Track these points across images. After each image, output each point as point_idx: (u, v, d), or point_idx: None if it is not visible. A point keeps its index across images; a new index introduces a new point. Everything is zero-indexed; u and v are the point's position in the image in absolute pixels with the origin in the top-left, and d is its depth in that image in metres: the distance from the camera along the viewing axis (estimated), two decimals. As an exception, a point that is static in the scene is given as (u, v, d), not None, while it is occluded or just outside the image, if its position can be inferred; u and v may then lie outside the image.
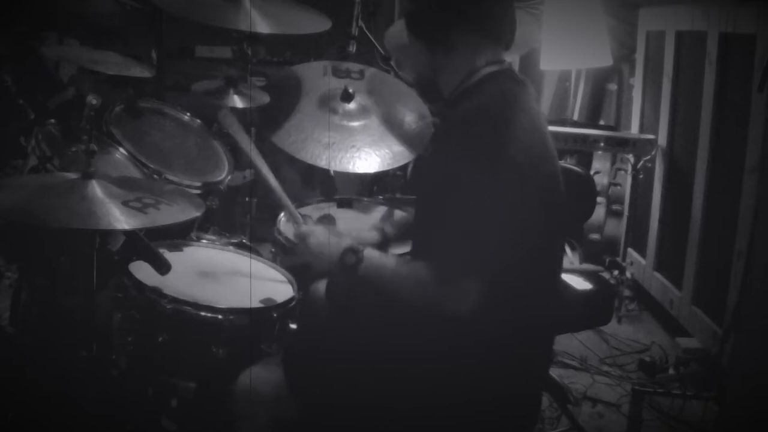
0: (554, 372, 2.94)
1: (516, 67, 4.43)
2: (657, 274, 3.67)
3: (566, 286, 2.46)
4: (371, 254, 1.67)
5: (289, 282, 2.19)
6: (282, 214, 2.43)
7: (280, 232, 2.32)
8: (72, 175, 1.90)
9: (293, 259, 2.00)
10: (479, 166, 1.53)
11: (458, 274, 1.51)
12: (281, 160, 3.56)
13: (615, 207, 4.09)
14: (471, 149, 1.55)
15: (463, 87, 1.70)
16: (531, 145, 1.58)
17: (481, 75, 1.68)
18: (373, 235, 2.06)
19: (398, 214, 2.57)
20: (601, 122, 4.41)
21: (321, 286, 1.98)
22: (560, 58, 3.78)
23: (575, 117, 4.36)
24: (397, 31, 1.83)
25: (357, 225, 2.49)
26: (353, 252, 1.67)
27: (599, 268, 3.86)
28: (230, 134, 2.07)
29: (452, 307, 1.51)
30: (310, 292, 2.02)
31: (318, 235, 1.79)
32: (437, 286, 1.52)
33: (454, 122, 1.66)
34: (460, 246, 1.52)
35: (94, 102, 1.94)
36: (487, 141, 1.54)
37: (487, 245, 1.51)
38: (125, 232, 2.01)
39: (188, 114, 2.72)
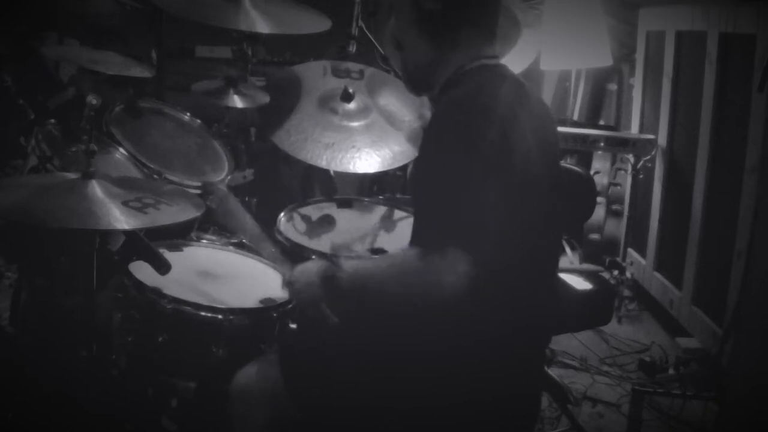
0: (554, 372, 2.94)
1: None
2: (657, 274, 3.67)
3: (566, 286, 2.46)
4: (349, 262, 1.68)
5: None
6: (282, 214, 2.43)
7: (280, 232, 2.32)
8: (72, 175, 1.90)
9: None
10: (453, 149, 1.53)
11: (438, 247, 1.49)
12: (281, 161, 3.57)
13: (615, 207, 4.09)
14: (447, 135, 1.56)
15: (448, 81, 1.71)
16: (508, 131, 1.58)
17: (465, 69, 1.69)
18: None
19: (398, 214, 2.57)
20: (601, 122, 4.41)
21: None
22: (560, 58, 3.78)
23: (575, 117, 4.36)
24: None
25: (357, 225, 2.49)
26: (332, 263, 1.68)
27: (599, 268, 3.86)
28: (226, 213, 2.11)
29: (441, 279, 1.48)
30: None
31: (300, 273, 1.79)
32: (420, 262, 1.52)
33: (436, 113, 1.68)
34: (436, 222, 1.53)
35: (94, 102, 1.94)
36: (461, 126, 1.55)
37: (463, 220, 1.50)
38: (125, 232, 2.01)
39: (188, 114, 2.71)
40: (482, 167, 1.51)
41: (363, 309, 1.70)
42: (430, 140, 1.62)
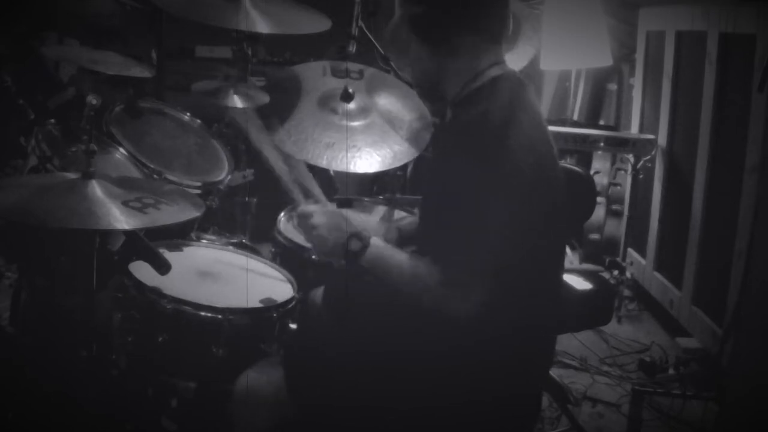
0: (554, 372, 2.94)
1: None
2: (657, 274, 3.67)
3: (566, 286, 2.46)
4: (377, 243, 1.66)
5: (289, 282, 2.19)
6: (282, 214, 2.43)
7: (280, 232, 2.32)
8: (72, 175, 1.90)
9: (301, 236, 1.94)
10: (485, 170, 1.53)
11: (462, 278, 1.50)
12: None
13: (615, 207, 4.09)
14: (478, 154, 1.55)
15: (468, 89, 1.69)
16: (535, 149, 1.58)
17: (486, 78, 1.68)
18: (383, 230, 2.04)
19: (398, 214, 2.57)
20: (601, 122, 4.41)
21: (320, 292, 1.98)
22: (560, 58, 3.78)
23: (575, 117, 4.36)
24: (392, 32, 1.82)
25: (357, 225, 2.49)
26: (359, 238, 1.65)
27: (599, 268, 3.86)
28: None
29: (453, 309, 1.50)
30: (309, 299, 2.02)
31: (321, 216, 1.74)
32: (440, 287, 1.52)
33: (461, 126, 1.66)
34: (464, 249, 1.52)
35: (94, 102, 1.94)
36: (493, 146, 1.54)
37: (492, 250, 1.50)
38: (125, 232, 2.01)
39: (188, 114, 2.72)
40: (513, 192, 1.52)
41: (368, 304, 1.70)
42: (451, 158, 1.60)
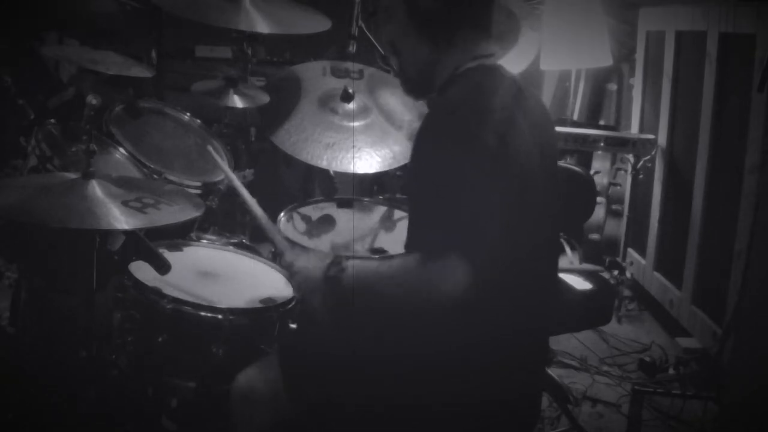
0: (554, 372, 2.94)
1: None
2: (657, 274, 3.67)
3: (566, 286, 2.46)
4: (353, 262, 1.67)
5: (289, 282, 2.19)
6: (282, 214, 2.43)
7: (280, 232, 2.32)
8: (72, 175, 1.90)
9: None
10: (450, 151, 1.53)
11: (439, 252, 1.49)
12: (280, 161, 3.57)
13: (615, 207, 4.09)
14: (443, 137, 1.56)
15: (445, 81, 1.71)
16: (505, 133, 1.58)
17: (462, 69, 1.69)
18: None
19: (398, 214, 2.57)
20: (601, 122, 4.41)
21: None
22: (560, 58, 3.78)
23: (575, 117, 4.36)
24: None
25: (357, 225, 2.49)
26: (334, 264, 1.67)
27: (599, 268, 3.86)
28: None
29: (441, 285, 1.48)
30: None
31: (301, 259, 1.78)
32: (421, 267, 1.52)
33: (430, 114, 1.68)
34: (436, 226, 1.52)
35: (94, 102, 1.94)
36: (458, 128, 1.55)
37: (462, 222, 1.50)
38: (125, 232, 2.01)
39: (188, 114, 2.72)
40: (478, 169, 1.51)
41: (360, 309, 1.70)
42: (426, 141, 1.61)
